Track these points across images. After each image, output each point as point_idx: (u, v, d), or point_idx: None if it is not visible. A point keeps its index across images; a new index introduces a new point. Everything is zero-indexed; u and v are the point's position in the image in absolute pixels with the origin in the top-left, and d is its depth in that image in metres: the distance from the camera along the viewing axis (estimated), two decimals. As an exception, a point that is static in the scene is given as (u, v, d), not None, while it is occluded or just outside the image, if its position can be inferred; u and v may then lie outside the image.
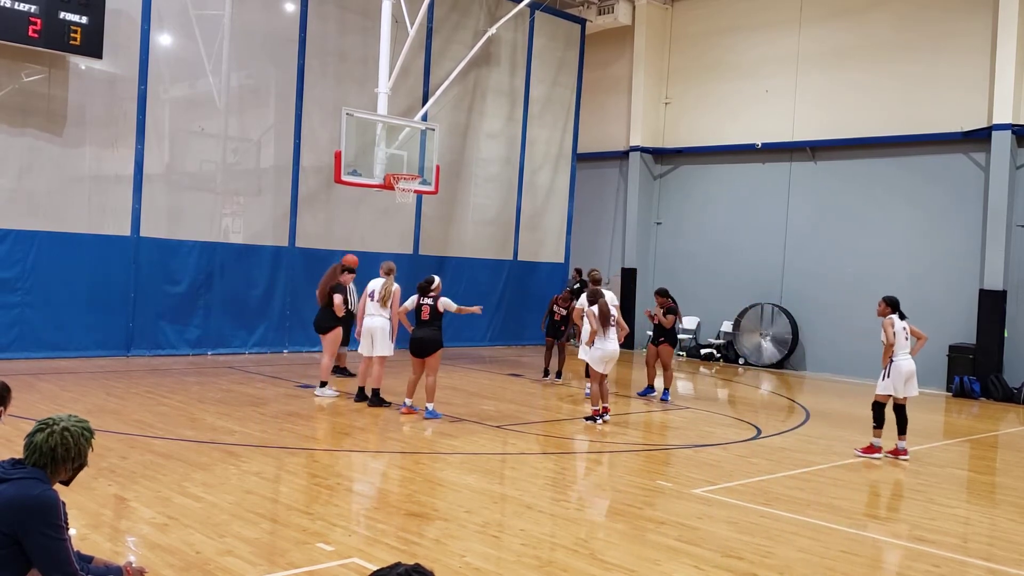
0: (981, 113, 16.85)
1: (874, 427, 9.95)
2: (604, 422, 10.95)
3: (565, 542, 6.16)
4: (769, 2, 20.03)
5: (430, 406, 10.70)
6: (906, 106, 17.80)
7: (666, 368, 13.66)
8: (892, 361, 9.79)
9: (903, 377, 9.82)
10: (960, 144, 17.24)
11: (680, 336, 20.93)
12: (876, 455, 9.81)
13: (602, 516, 7.13)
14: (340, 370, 13.52)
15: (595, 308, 10.99)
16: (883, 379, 9.90)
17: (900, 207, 17.97)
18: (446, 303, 10.72)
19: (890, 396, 9.86)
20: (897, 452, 9.82)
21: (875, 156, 18.41)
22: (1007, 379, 16.20)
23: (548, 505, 7.11)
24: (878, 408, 9.93)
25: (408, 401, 10.84)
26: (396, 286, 11.24)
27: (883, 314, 9.96)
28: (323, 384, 11.80)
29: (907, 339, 9.91)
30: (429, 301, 10.71)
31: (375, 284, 11.29)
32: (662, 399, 13.31)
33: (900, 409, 9.85)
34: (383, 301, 11.15)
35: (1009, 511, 7.91)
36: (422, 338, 10.63)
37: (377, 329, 11.15)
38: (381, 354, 11.15)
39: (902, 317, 9.96)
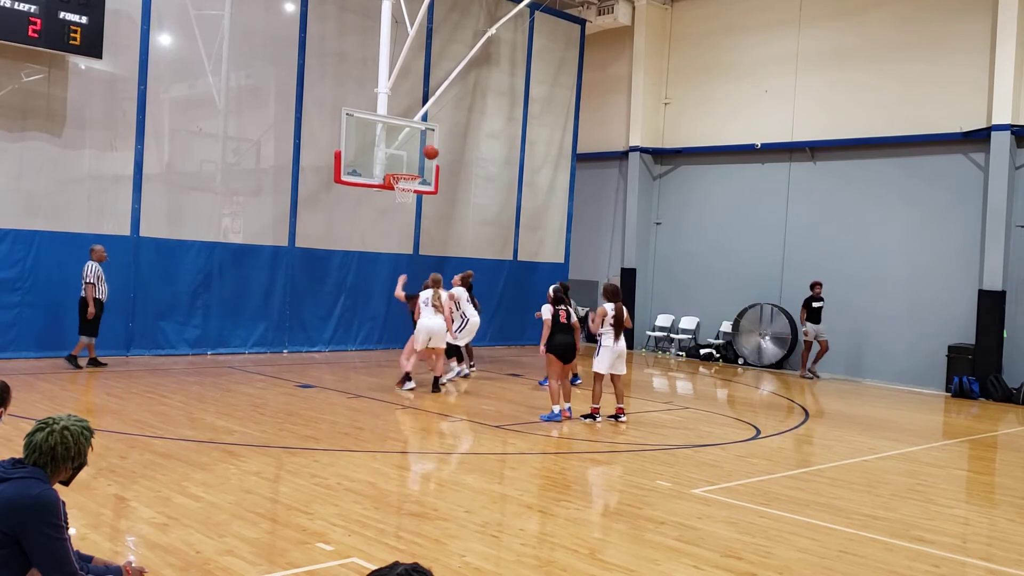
0: (980, 113, 16.84)
1: None
2: (621, 421, 11.11)
3: (565, 542, 6.16)
4: (769, 2, 20.03)
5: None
6: (905, 106, 17.80)
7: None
8: None
9: None
10: (959, 144, 17.24)
11: (676, 336, 21.01)
12: None
13: (602, 516, 7.13)
14: (91, 361, 13.38)
15: (611, 310, 11.03)
16: None
17: (899, 207, 17.97)
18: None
19: None
20: None
21: (874, 156, 18.41)
22: (1006, 379, 16.20)
23: (548, 505, 7.12)
24: None
25: (563, 406, 11.14)
26: (444, 293, 12.89)
27: None
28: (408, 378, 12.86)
29: None
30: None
31: (426, 294, 12.78)
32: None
33: None
34: (436, 308, 12.65)
35: (1008, 511, 7.92)
36: (571, 343, 11.18)
37: (435, 328, 12.56)
38: (438, 346, 12.73)
39: None
